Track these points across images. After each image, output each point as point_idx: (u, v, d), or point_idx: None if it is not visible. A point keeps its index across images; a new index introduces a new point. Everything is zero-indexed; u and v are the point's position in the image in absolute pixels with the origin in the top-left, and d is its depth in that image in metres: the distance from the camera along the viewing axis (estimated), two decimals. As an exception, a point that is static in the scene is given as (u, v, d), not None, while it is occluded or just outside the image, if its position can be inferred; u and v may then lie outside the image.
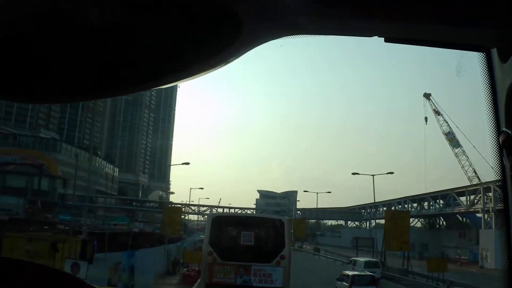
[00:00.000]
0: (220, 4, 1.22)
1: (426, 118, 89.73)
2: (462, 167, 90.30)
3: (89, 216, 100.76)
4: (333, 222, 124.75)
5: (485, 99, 1.56)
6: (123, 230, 57.08)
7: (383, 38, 1.51)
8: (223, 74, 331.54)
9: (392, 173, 60.21)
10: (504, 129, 1.44)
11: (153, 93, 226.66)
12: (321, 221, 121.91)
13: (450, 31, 1.46)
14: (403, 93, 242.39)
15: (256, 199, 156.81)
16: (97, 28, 1.21)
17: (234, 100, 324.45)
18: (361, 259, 40.58)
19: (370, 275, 30.21)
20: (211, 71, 1.33)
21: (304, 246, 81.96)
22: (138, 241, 39.25)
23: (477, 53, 1.57)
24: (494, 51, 1.52)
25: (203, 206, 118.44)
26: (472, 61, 1.62)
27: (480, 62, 1.56)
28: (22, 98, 1.47)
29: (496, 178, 1.52)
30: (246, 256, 16.46)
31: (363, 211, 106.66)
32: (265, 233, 17.78)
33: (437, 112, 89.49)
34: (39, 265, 1.27)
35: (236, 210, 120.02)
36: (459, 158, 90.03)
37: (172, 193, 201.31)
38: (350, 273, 29.96)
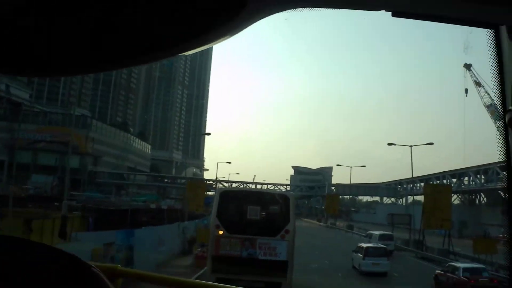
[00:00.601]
0: None
1: (466, 90, 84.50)
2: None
3: (120, 194, 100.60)
4: (368, 199, 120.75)
5: (492, 77, 1.53)
6: (146, 207, 55.61)
7: (390, 12, 1.46)
8: (258, 49, 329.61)
9: (431, 143, 54.32)
10: (510, 107, 1.40)
11: (186, 69, 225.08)
12: (356, 197, 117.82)
13: (459, 7, 1.42)
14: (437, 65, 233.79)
15: (291, 175, 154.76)
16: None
17: (270, 76, 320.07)
18: (376, 233, 43.54)
19: (383, 247, 32.48)
20: (215, 43, 1.30)
21: (337, 223, 78.87)
22: (158, 217, 36.97)
23: (485, 30, 1.54)
24: (503, 28, 1.49)
25: (235, 182, 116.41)
26: (480, 39, 1.59)
27: (488, 39, 1.53)
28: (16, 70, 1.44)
29: (501, 157, 1.50)
30: (252, 230, 16.92)
31: (399, 186, 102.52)
32: (271, 208, 18.07)
33: (478, 84, 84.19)
34: (45, 245, 1.27)
35: (269, 186, 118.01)
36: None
37: (206, 169, 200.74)
38: (364, 245, 32.31)
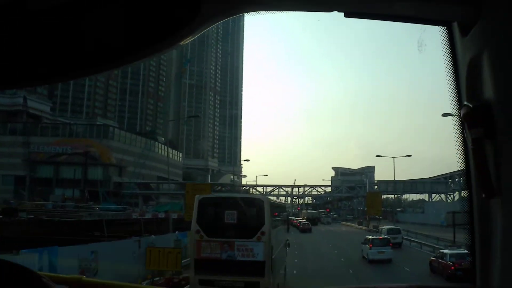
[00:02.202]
0: None
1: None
2: None
3: (147, 204, 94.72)
4: (413, 197, 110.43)
5: (447, 73, 1.56)
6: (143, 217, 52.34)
7: (342, 13, 1.48)
8: (292, 52, 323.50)
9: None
10: (465, 102, 1.44)
11: (217, 75, 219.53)
12: (401, 196, 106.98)
13: (412, 5, 1.44)
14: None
15: (331, 177, 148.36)
16: (54, 10, 1.22)
17: (306, 79, 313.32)
18: (385, 227, 48.21)
19: (387, 237, 37.28)
20: (172, 48, 1.33)
21: (379, 228, 69.23)
22: (135, 229, 34.00)
23: (438, 27, 1.57)
24: (455, 25, 1.52)
25: (269, 186, 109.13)
26: (433, 35, 1.62)
27: (441, 36, 1.56)
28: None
29: (458, 152, 1.55)
30: (229, 233, 17.79)
31: (450, 181, 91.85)
32: (247, 211, 18.67)
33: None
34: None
35: (307, 189, 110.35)
36: None
37: (245, 176, 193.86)
38: (370, 237, 37.81)
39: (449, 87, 1.55)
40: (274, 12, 1.42)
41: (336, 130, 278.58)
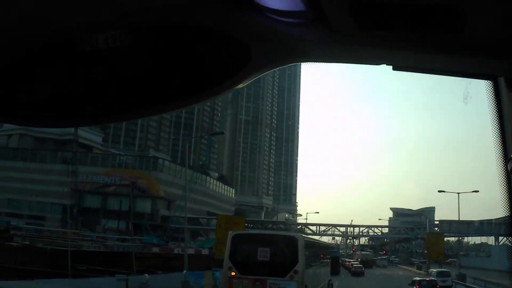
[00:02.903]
0: (229, 34, 1.31)
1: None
2: None
3: (195, 239, 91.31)
4: (476, 240, 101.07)
5: (492, 127, 1.56)
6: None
7: (391, 66, 1.51)
8: (349, 90, 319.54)
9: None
10: (511, 156, 1.44)
11: (273, 111, 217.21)
12: (462, 238, 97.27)
13: (458, 60, 1.47)
14: None
15: (389, 217, 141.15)
16: (107, 54, 1.29)
17: (363, 118, 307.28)
18: (435, 270, 47.54)
19: (434, 279, 37.21)
20: (223, 94, 1.38)
21: (429, 270, 61.85)
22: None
23: (484, 81, 1.58)
24: (501, 80, 1.53)
25: (323, 225, 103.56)
26: (480, 88, 1.63)
27: (487, 90, 1.57)
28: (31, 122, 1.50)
29: (504, 202, 1.56)
30: (262, 271, 17.22)
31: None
32: (280, 249, 18.27)
33: None
34: None
35: (363, 229, 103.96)
36: None
37: (300, 215, 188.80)
38: (418, 278, 37.21)
39: (494, 140, 1.54)
40: (324, 63, 1.47)
41: (395, 170, 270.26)
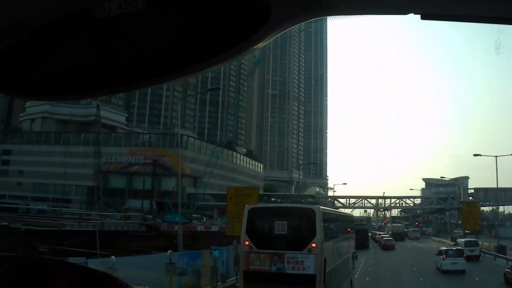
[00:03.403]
0: None
1: None
2: None
3: (222, 216, 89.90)
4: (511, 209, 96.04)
5: None
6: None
7: (419, 16, 1.44)
8: (377, 59, 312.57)
9: None
10: None
11: (301, 84, 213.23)
12: (496, 209, 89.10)
13: (489, 4, 1.40)
14: None
15: (422, 188, 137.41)
16: (123, 20, 1.28)
17: (389, 82, 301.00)
18: (463, 240, 47.14)
19: (461, 249, 38.85)
20: (244, 54, 1.34)
21: (457, 240, 55.57)
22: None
23: None
24: None
25: (353, 197, 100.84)
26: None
27: None
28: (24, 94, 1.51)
29: None
30: (280, 245, 17.06)
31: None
32: (297, 222, 18.10)
33: None
34: (75, 264, 1.31)
35: (394, 200, 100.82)
36: None
37: (331, 188, 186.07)
38: (444, 248, 39.55)
39: None
40: (347, 16, 1.40)
41: (427, 138, 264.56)
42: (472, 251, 42.27)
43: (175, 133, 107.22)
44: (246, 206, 18.50)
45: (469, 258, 39.70)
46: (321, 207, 20.71)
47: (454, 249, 37.89)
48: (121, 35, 1.32)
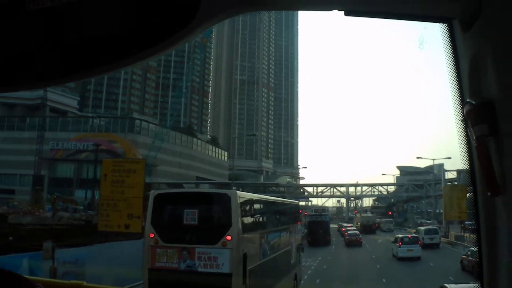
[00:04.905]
0: None
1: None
2: None
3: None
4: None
5: (448, 71, 1.56)
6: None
7: (343, 12, 1.48)
8: (347, 46, 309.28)
9: None
10: (468, 99, 1.44)
11: (270, 70, 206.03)
12: None
13: (412, 2, 1.46)
14: None
15: (396, 177, 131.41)
16: (56, 10, 1.25)
17: (356, 72, 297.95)
18: (422, 228, 48.56)
19: (416, 236, 40.16)
20: (172, 49, 1.34)
21: (417, 228, 51.73)
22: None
23: (439, 24, 1.56)
24: (456, 22, 1.52)
25: (320, 185, 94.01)
26: (434, 33, 1.62)
27: (442, 33, 1.56)
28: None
29: (462, 149, 1.55)
30: (189, 237, 14.76)
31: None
32: (210, 210, 15.84)
33: None
34: None
35: (365, 188, 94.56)
36: None
37: (302, 178, 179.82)
38: (400, 235, 40.61)
39: (451, 84, 1.52)
40: (272, 11, 1.53)
41: (403, 125, 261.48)
42: (431, 239, 43.29)
43: (128, 117, 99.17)
44: (152, 191, 16.20)
45: (429, 246, 41.59)
46: (242, 192, 18.00)
47: (409, 236, 39.11)
48: (54, 26, 1.27)
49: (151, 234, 14.96)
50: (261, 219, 18.36)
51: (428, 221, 72.72)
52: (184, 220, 14.92)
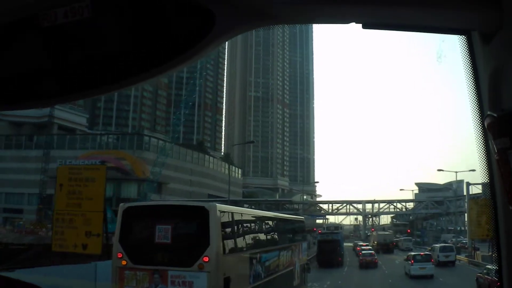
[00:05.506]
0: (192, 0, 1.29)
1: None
2: None
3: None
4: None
5: (468, 83, 1.54)
6: None
7: (360, 24, 1.47)
8: (366, 61, 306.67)
9: None
10: (488, 112, 1.40)
11: (285, 87, 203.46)
12: None
13: (430, 15, 1.43)
14: None
15: (415, 194, 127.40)
16: (69, 28, 1.26)
17: (382, 87, 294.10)
18: (437, 245, 47.50)
19: (428, 254, 39.16)
20: (188, 63, 1.35)
21: (432, 246, 49.91)
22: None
23: (458, 36, 1.55)
24: (475, 34, 1.50)
25: (336, 202, 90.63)
26: (453, 46, 1.57)
27: (461, 46, 1.55)
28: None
29: (482, 163, 1.53)
30: (162, 258, 13.30)
31: None
32: (185, 226, 14.29)
33: None
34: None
35: (383, 205, 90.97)
36: None
37: (319, 195, 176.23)
38: (412, 253, 39.56)
39: (470, 96, 1.51)
40: (289, 25, 1.42)
41: (421, 142, 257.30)
42: (447, 256, 42.89)
43: (136, 134, 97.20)
44: (121, 205, 14.33)
45: (444, 264, 41.54)
46: (224, 205, 15.50)
47: (422, 254, 38.15)
48: (67, 43, 1.28)
49: (119, 253, 13.58)
50: (251, 236, 16.51)
51: (459, 239, 67.40)
52: (156, 237, 13.43)
